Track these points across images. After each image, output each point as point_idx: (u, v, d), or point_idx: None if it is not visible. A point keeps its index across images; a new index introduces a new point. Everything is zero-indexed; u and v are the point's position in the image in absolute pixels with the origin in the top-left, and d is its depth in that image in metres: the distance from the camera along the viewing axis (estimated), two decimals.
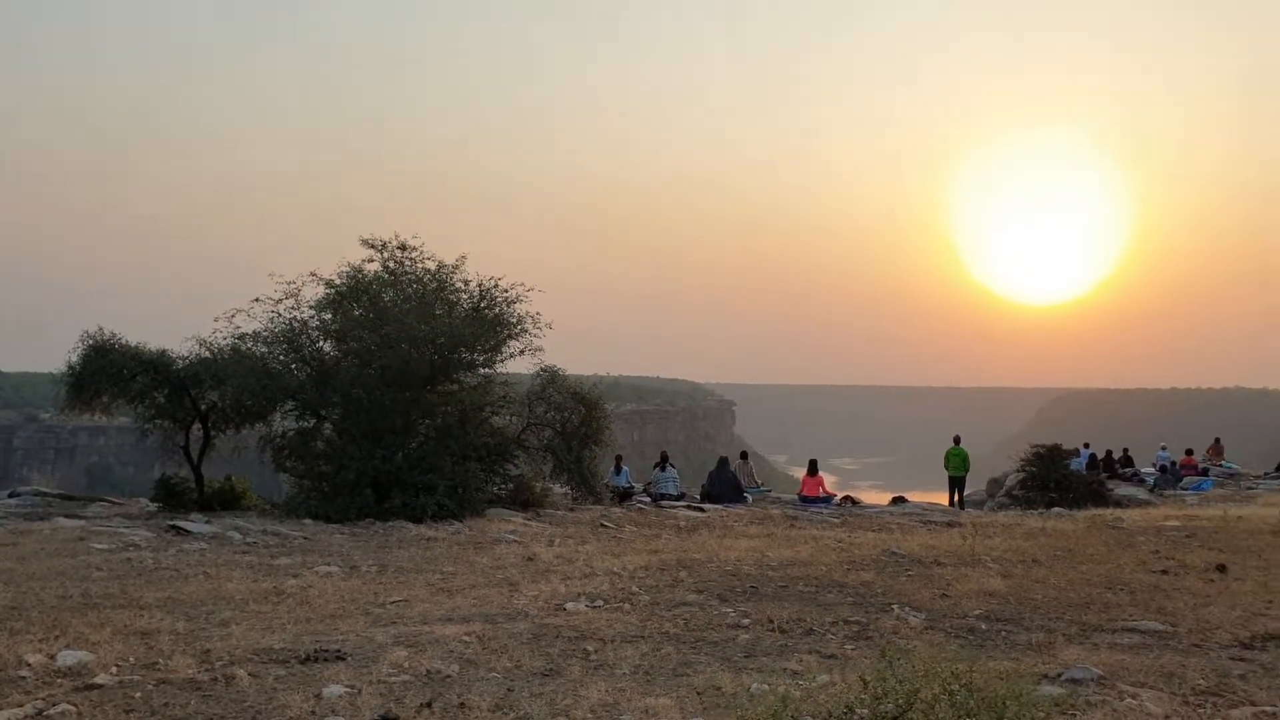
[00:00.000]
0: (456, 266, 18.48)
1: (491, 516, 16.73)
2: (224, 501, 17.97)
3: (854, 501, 23.66)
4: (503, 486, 18.83)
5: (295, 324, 17.90)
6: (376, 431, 17.00)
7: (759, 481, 25.84)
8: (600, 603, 9.97)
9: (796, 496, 23.46)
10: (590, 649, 8.03)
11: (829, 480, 25.49)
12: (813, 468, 23.55)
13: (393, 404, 17.06)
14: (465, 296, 18.27)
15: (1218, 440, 35.64)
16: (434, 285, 18.29)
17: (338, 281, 18.08)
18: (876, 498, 28.22)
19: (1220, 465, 33.48)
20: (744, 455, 26.06)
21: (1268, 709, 6.53)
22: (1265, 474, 33.13)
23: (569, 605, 9.79)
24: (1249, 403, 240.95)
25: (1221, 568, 12.62)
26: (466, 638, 8.32)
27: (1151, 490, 28.80)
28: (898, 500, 24.28)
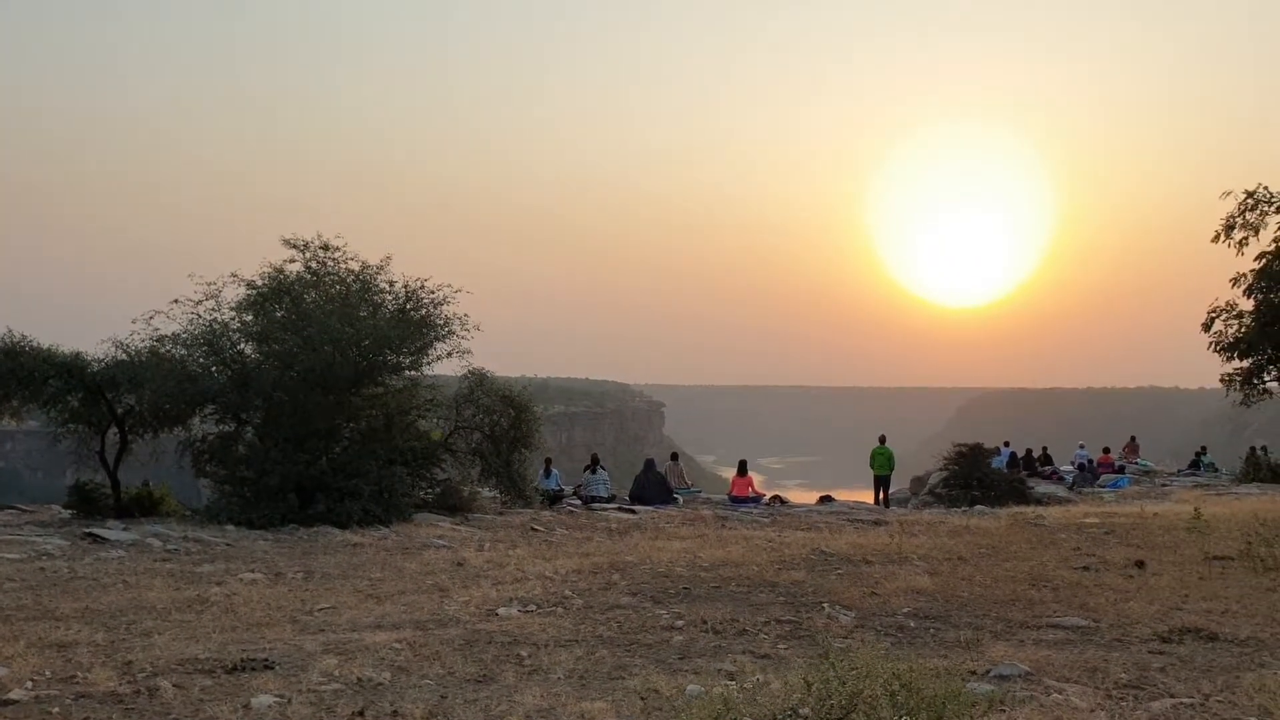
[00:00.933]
0: (381, 267, 18.25)
1: (419, 522, 16.51)
2: (142, 508, 17.48)
3: (783, 501, 23.84)
4: (430, 491, 18.60)
5: (216, 326, 17.47)
6: (300, 435, 16.69)
7: (689, 482, 25.92)
8: (533, 607, 9.90)
9: (726, 497, 23.57)
10: (524, 654, 7.96)
11: (757, 480, 25.66)
12: (742, 468, 23.68)
13: (316, 407, 16.75)
14: (390, 298, 18.03)
15: (1133, 439, 36.63)
16: (358, 286, 18.02)
17: (259, 282, 17.72)
18: (804, 497, 28.49)
19: (1136, 463, 34.41)
20: (674, 456, 26.12)
21: (1186, 700, 6.69)
22: (1179, 471, 34.15)
23: (501, 610, 9.70)
24: (1162, 402, 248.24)
25: (1140, 564, 12.95)
26: (397, 645, 8.19)
27: (1070, 488, 29.47)
28: (825, 499, 24.52)
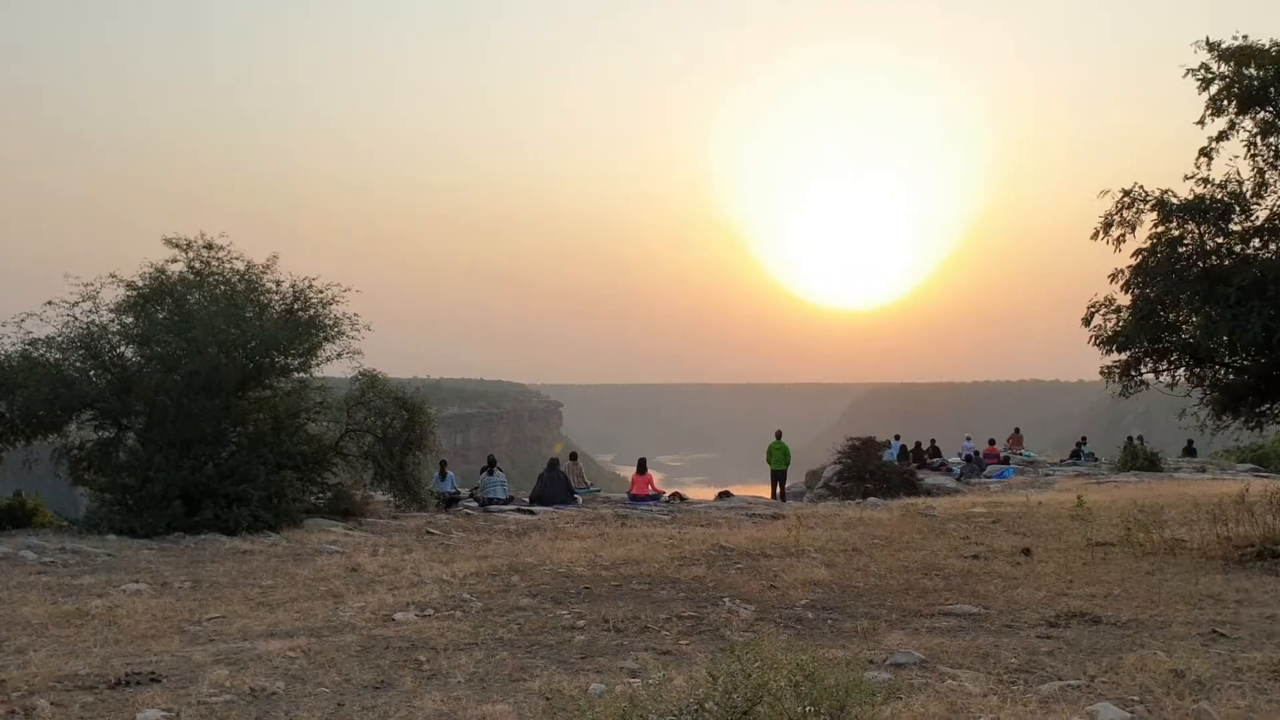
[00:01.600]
0: (268, 266, 17.75)
1: (310, 527, 16.10)
2: (14, 519, 16.66)
3: (682, 498, 23.95)
4: (321, 496, 18.17)
5: (94, 328, 16.76)
6: (184, 440, 16.11)
7: (588, 482, 25.85)
8: (431, 611, 9.73)
9: (626, 495, 23.58)
10: (422, 659, 7.81)
11: (657, 478, 25.72)
12: (641, 466, 23.71)
13: (201, 411, 16.19)
14: (277, 298, 17.55)
15: (1017, 430, 37.82)
16: (244, 286, 17.50)
17: (140, 283, 17.08)
18: (703, 493, 28.66)
19: (1020, 454, 35.53)
20: (573, 456, 26.01)
21: (1073, 682, 6.89)
22: (1061, 461, 35.38)
23: (398, 615, 9.51)
24: (1045, 394, 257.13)
25: (1026, 551, 13.34)
26: (291, 653, 7.97)
27: (958, 479, 30.28)
28: (723, 495, 24.71)
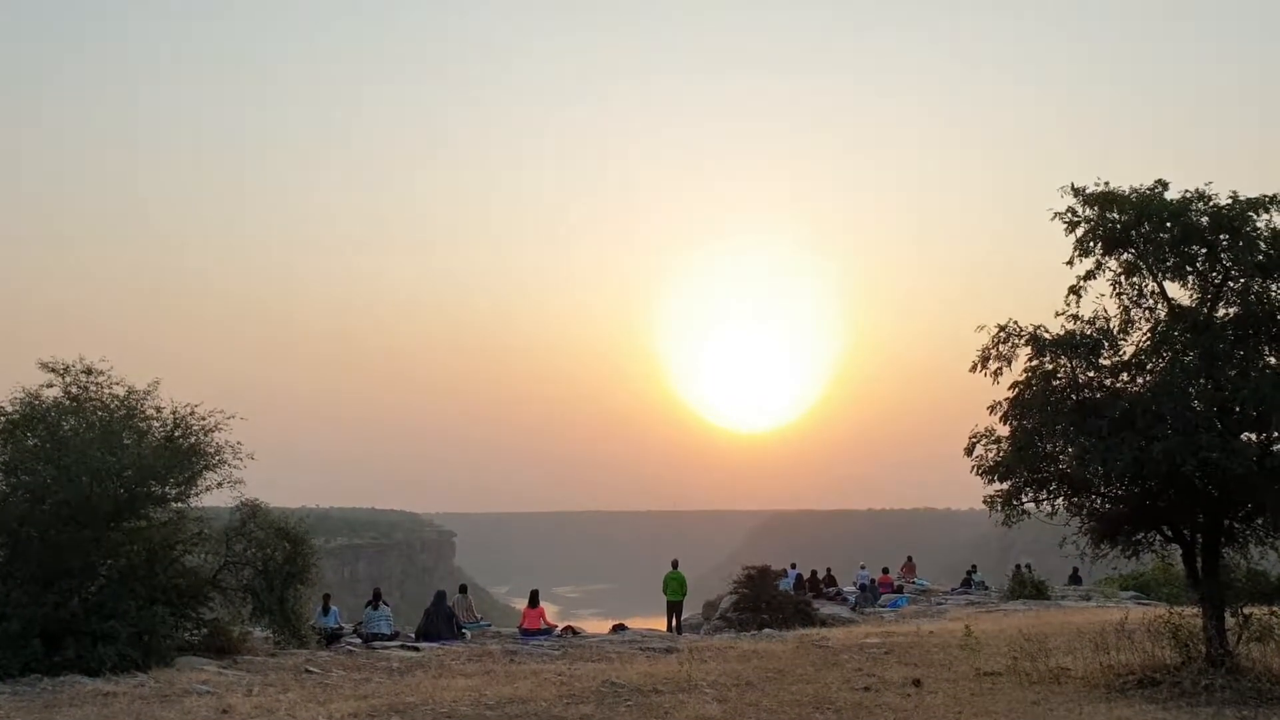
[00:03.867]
0: (149, 392, 17.16)
1: (182, 666, 15.22)
2: None
3: (575, 632, 23.43)
4: (196, 632, 17.27)
5: None
6: (49, 574, 15.22)
7: (478, 616, 25.14)
8: None
9: (517, 630, 22.98)
10: None
11: (551, 610, 25.21)
12: (533, 599, 23.20)
13: (70, 543, 15.36)
14: (157, 424, 16.94)
15: (910, 559, 38.27)
16: (123, 412, 16.88)
17: (9, 408, 16.35)
18: (599, 625, 28.12)
19: (914, 582, 35.88)
20: (463, 589, 25.32)
21: None
22: (952, 589, 35.78)
23: None
24: (937, 522, 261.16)
25: (917, 682, 13.32)
26: None
27: (853, 608, 30.36)
28: (618, 628, 24.25)
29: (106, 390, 17.17)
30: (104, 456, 15.54)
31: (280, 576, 18.00)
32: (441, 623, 21.11)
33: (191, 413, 17.10)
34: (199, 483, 17.03)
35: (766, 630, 23.16)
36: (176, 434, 16.84)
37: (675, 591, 27.40)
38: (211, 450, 16.96)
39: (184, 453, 16.63)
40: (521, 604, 23.23)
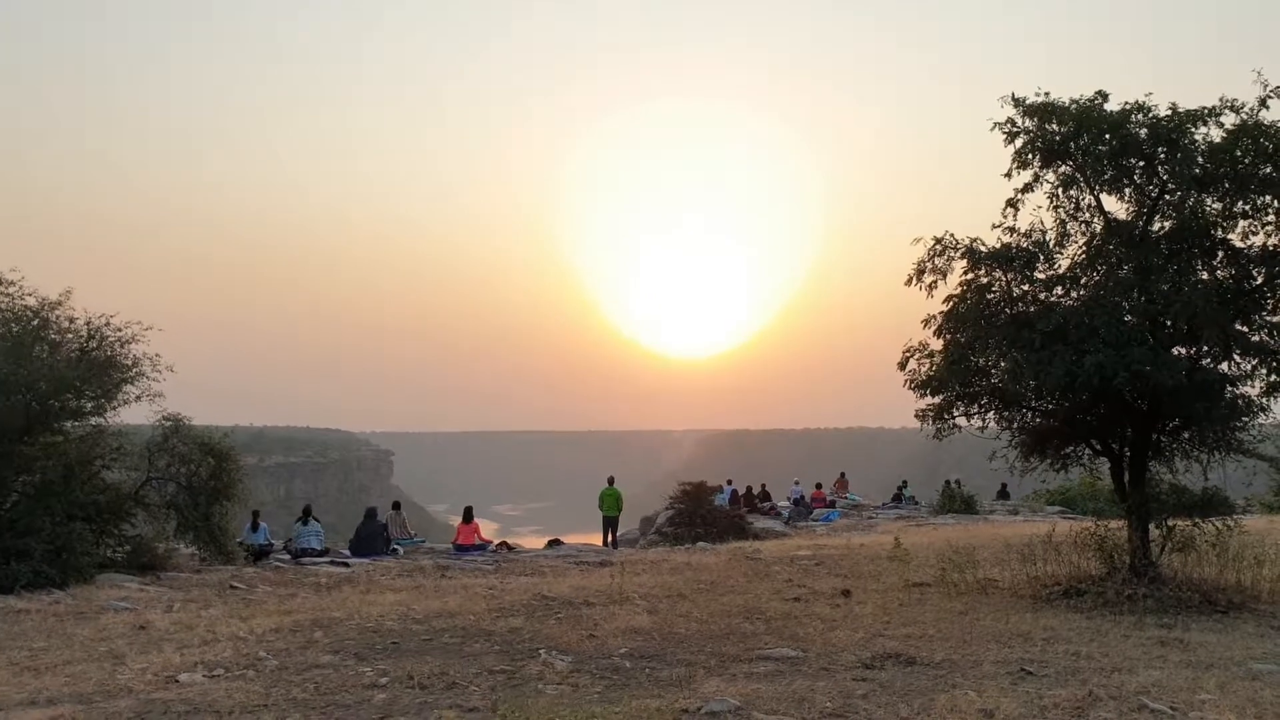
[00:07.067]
0: (60, 302, 16.47)
1: (102, 583, 14.84)
2: None
3: (509, 547, 23.36)
4: (119, 550, 16.85)
5: None
6: None
7: (412, 532, 24.95)
8: (220, 671, 8.97)
9: (451, 546, 22.85)
10: None
11: (490, 528, 25.10)
12: (467, 515, 23.04)
13: None
14: (71, 336, 16.30)
15: (843, 475, 38.70)
16: (36, 323, 16.20)
17: None
18: (537, 542, 28.09)
19: (846, 497, 36.35)
20: (396, 505, 25.09)
21: None
22: (883, 504, 36.34)
23: (183, 677, 8.72)
24: (869, 440, 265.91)
25: (846, 593, 13.40)
26: None
27: (786, 522, 30.68)
28: (553, 543, 24.26)
29: (18, 301, 16.45)
30: (14, 369, 14.94)
31: (205, 493, 17.63)
32: (371, 538, 20.89)
33: (107, 324, 16.49)
34: (117, 396, 16.48)
35: (701, 544, 23.29)
36: (91, 346, 16.22)
37: (611, 507, 27.47)
38: (128, 362, 16.39)
39: (99, 365, 16.04)
40: (458, 521, 23.05)
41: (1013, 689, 7.79)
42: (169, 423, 17.53)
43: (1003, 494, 35.61)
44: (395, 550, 21.06)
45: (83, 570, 14.94)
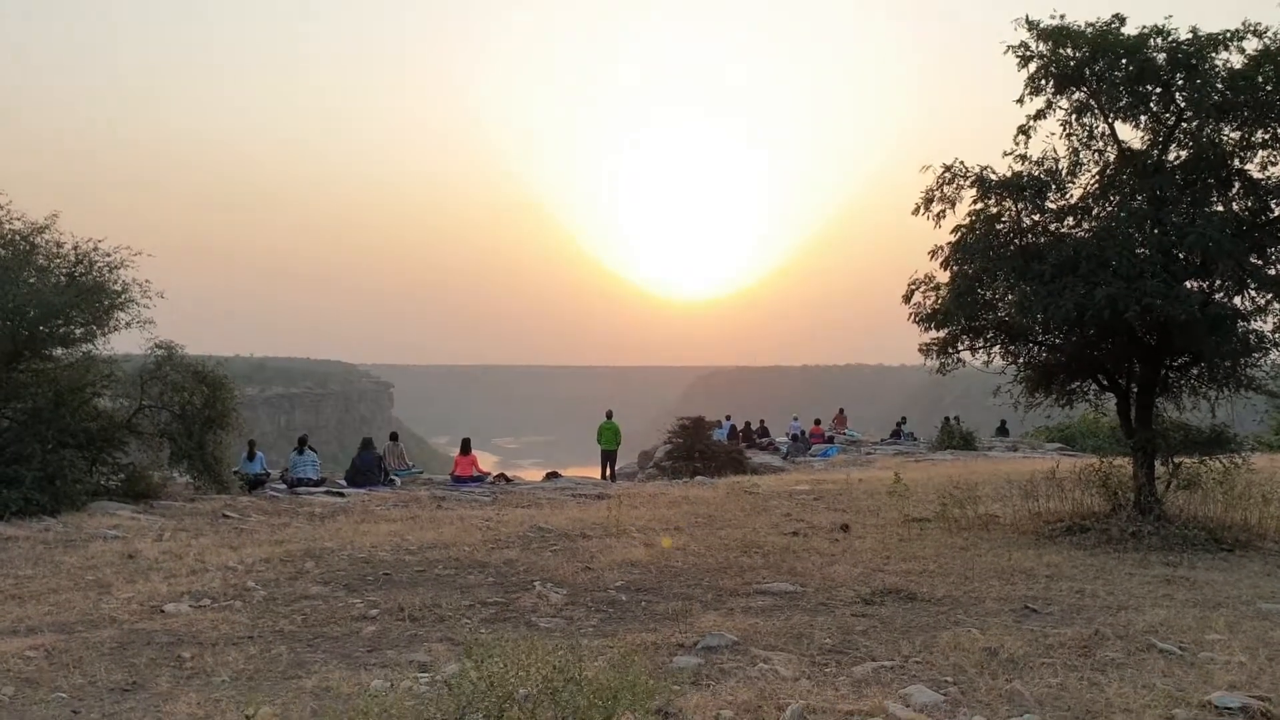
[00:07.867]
0: (46, 226, 16.09)
1: (94, 511, 14.67)
2: None
3: (507, 479, 23.23)
4: (113, 477, 16.69)
5: None
6: None
7: (410, 463, 24.84)
8: (207, 601, 8.82)
9: (449, 477, 22.73)
10: (186, 655, 6.97)
11: (489, 460, 24.98)
12: (465, 446, 22.88)
13: None
14: (59, 261, 15.95)
15: (841, 411, 38.55)
16: (25, 248, 15.85)
17: None
18: (535, 475, 28.02)
19: (844, 433, 36.23)
20: (394, 436, 24.94)
21: (886, 663, 6.60)
22: (882, 440, 36.23)
23: (168, 607, 8.57)
24: (868, 377, 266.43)
25: (845, 527, 13.24)
26: (31, 653, 7.00)
27: (785, 457, 30.60)
28: (551, 476, 24.15)
29: (5, 225, 16.08)
30: (1, 294, 14.64)
31: (199, 421, 17.43)
32: (368, 468, 20.75)
33: (95, 248, 16.12)
34: (108, 322, 16.19)
35: (699, 478, 23.18)
36: (80, 271, 15.89)
37: (609, 441, 27.34)
38: (118, 288, 16.06)
39: (88, 290, 15.71)
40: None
41: (1016, 626, 7.61)
42: (161, 350, 17.27)
43: (1002, 431, 35.47)
44: (393, 481, 20.93)
45: (74, 498, 14.79)
